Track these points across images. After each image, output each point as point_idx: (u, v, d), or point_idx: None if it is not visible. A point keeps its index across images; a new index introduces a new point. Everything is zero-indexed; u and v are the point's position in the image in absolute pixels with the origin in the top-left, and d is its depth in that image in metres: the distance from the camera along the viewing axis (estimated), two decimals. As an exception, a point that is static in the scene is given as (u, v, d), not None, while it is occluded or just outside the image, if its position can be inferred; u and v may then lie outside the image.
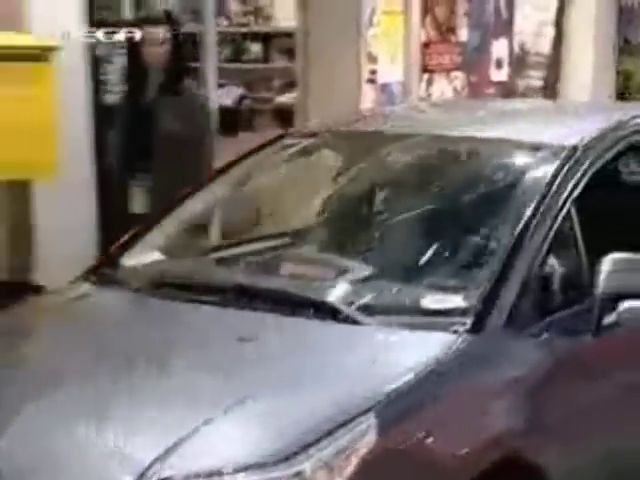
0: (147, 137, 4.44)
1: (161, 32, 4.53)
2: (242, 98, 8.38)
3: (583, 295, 2.78)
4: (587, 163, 3.00)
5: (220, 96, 7.04)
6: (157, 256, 3.21)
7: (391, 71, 7.43)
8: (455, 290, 2.71)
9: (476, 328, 2.56)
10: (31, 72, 4.67)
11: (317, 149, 3.68)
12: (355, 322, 2.60)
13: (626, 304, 2.73)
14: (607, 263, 2.71)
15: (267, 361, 2.48)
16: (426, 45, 7.70)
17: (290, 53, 8.68)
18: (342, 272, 2.96)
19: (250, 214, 3.68)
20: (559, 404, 2.67)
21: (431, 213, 3.26)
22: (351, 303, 2.66)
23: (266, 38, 8.90)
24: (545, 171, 2.97)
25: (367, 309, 2.65)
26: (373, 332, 2.60)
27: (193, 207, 3.43)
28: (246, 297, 2.77)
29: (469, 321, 2.56)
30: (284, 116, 8.04)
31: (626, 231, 3.17)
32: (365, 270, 2.94)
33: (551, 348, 2.71)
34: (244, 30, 8.81)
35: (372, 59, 7.23)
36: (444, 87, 7.94)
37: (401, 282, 2.83)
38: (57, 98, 4.78)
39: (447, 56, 7.90)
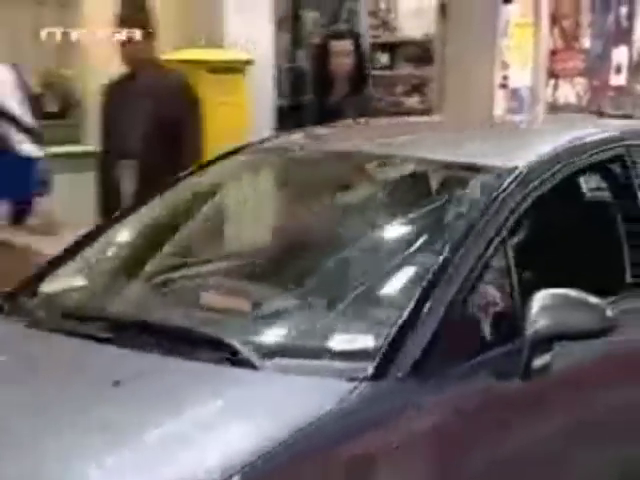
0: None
1: (347, 45, 5.24)
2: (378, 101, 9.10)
3: (515, 334, 2.42)
4: (529, 187, 2.65)
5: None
6: (76, 283, 2.94)
7: (521, 77, 8.08)
8: (363, 331, 2.41)
9: (378, 375, 2.22)
10: (231, 82, 5.51)
11: (260, 167, 3.40)
12: (253, 366, 2.28)
13: (560, 346, 2.43)
14: (539, 300, 2.39)
15: (130, 412, 2.17)
16: (553, 53, 8.34)
17: (413, 60, 9.43)
18: (256, 306, 2.71)
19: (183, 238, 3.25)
20: (476, 461, 2.34)
21: (355, 241, 2.94)
22: (251, 343, 2.37)
23: (392, 47, 9.62)
24: (479, 196, 2.65)
25: (267, 351, 2.34)
26: (265, 379, 2.28)
27: (126, 227, 3.18)
28: (142, 334, 2.49)
29: (371, 367, 2.22)
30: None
31: (570, 263, 2.86)
32: (278, 305, 2.67)
33: (471, 395, 2.37)
34: (373, 41, 9.55)
35: (504, 66, 7.89)
36: (568, 91, 8.54)
37: (310, 319, 2.56)
38: (249, 103, 5.62)
39: (571, 63, 8.50)
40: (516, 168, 2.67)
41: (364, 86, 5.37)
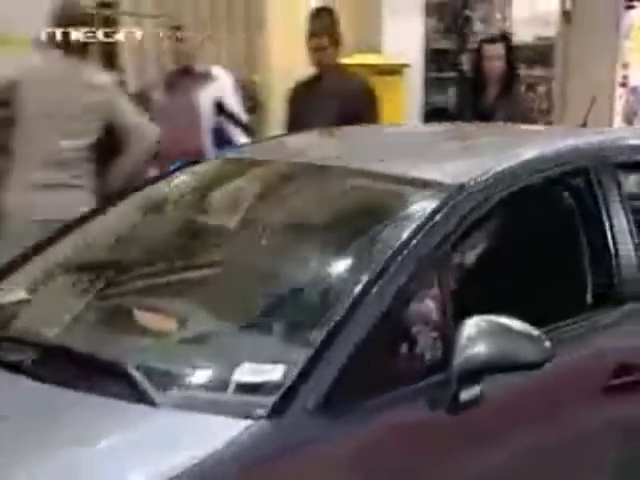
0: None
1: (499, 48, 5.82)
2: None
3: (445, 364, 2.22)
4: (472, 205, 2.45)
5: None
6: (17, 296, 2.80)
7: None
8: (271, 361, 2.20)
9: (279, 411, 2.03)
10: (392, 83, 6.18)
11: (209, 179, 3.27)
12: (152, 401, 2.10)
13: (490, 377, 2.23)
14: (469, 328, 2.20)
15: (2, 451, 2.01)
16: (671, 52, 8.84)
17: (526, 62, 10.00)
18: (173, 333, 2.58)
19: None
20: None
21: (277, 261, 2.79)
22: (155, 375, 2.19)
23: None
24: (417, 214, 2.44)
25: (169, 382, 2.18)
26: (160, 416, 2.09)
27: (79, 237, 3.00)
28: (49, 360, 2.33)
29: (272, 402, 2.04)
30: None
31: (518, 286, 2.65)
32: (193, 331, 2.53)
33: (389, 430, 2.16)
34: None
35: (625, 66, 8.43)
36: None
37: (222, 347, 2.43)
38: (404, 102, 6.29)
39: (687, 62, 9.00)
40: (462, 185, 2.49)
41: (514, 88, 5.96)
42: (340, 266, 2.55)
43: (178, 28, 4.95)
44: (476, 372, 2.20)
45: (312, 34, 5.15)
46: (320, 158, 3.05)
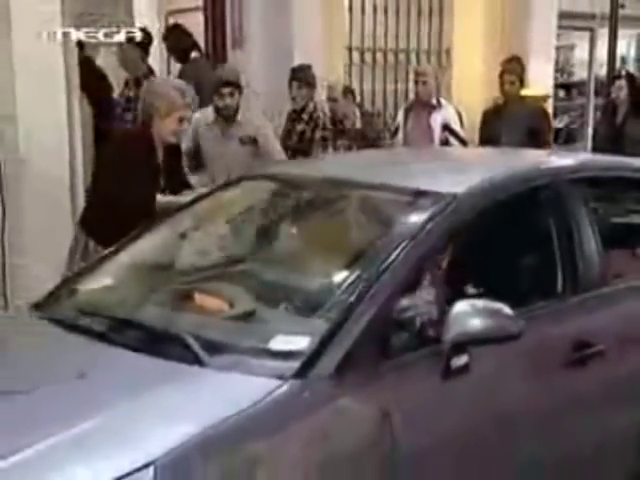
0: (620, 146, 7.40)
1: (622, 82, 7.31)
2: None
3: (437, 338, 2.64)
4: (464, 211, 2.93)
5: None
6: (103, 283, 3.29)
7: None
8: (298, 333, 2.61)
9: (301, 374, 2.41)
10: (541, 108, 8.06)
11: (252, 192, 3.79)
12: (201, 362, 2.51)
13: (474, 348, 2.63)
14: (456, 308, 2.62)
15: (72, 404, 2.36)
16: None
17: (583, 94, 11.90)
18: (222, 310, 2.96)
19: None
20: (396, 454, 2.48)
21: (305, 256, 3.34)
22: (205, 341, 2.58)
23: (567, 86, 12.28)
24: (416, 218, 2.91)
25: (215, 348, 2.57)
26: (205, 376, 2.48)
27: (148, 240, 3.50)
28: (123, 331, 2.77)
29: (296, 365, 2.43)
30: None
31: (499, 279, 3.08)
32: (238, 310, 2.92)
33: (392, 393, 2.54)
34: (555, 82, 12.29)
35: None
36: None
37: (260, 322, 2.84)
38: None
39: None
40: (454, 194, 2.97)
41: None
42: (355, 260, 2.96)
43: (422, 74, 6.91)
44: (462, 344, 2.63)
45: (505, 72, 7.07)
46: (337, 172, 3.58)
